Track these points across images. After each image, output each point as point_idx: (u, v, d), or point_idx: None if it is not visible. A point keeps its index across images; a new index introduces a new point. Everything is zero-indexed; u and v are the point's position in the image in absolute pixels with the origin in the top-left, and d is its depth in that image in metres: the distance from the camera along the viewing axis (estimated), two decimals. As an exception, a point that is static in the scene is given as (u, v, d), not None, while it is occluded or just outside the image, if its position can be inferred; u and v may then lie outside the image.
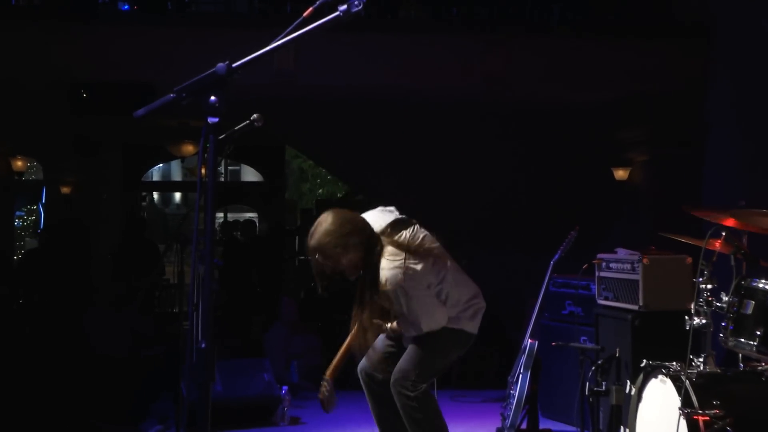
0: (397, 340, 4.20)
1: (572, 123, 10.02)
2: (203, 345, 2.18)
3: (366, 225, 3.96)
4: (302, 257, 15.03)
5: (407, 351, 4.04)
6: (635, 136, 10.19)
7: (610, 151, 10.39)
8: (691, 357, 3.72)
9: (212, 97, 2.06)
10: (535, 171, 10.45)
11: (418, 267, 3.88)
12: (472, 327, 4.11)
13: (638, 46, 8.84)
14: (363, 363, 4.20)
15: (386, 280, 3.82)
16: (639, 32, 8.94)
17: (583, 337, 5.93)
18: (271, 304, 9.09)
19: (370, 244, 3.90)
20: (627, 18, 9.25)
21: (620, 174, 10.60)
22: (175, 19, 8.91)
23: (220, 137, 2.17)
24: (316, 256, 3.90)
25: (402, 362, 4.01)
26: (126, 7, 9.49)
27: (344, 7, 1.97)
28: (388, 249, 3.88)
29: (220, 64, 2.02)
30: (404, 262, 3.85)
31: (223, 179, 25.96)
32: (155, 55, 8.43)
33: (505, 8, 9.25)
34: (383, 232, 3.95)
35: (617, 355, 5.12)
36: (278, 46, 2.04)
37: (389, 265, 3.84)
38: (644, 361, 3.97)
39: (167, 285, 11.39)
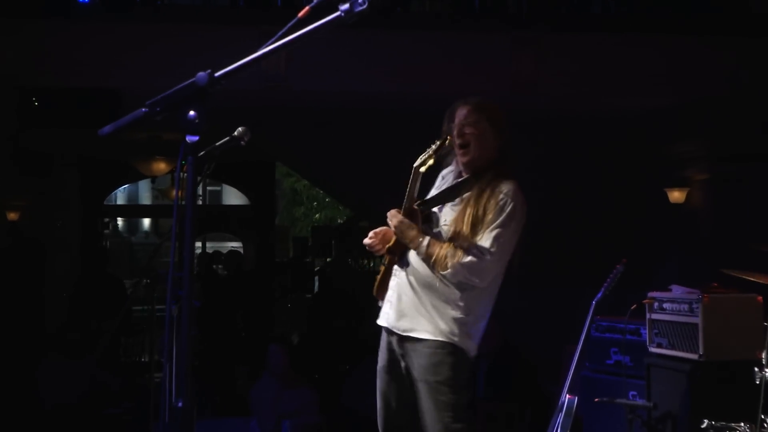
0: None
1: (617, 135, 10.04)
2: (180, 403, 2.18)
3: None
4: (295, 294, 15.08)
5: (420, 392, 4.04)
6: (693, 150, 10.20)
7: (663, 169, 10.41)
8: (763, 417, 3.72)
9: (191, 112, 2.08)
10: (573, 192, 10.47)
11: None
12: (474, 348, 4.14)
13: (698, 44, 8.88)
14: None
15: (507, 188, 3.99)
16: (698, 27, 8.98)
17: (632, 392, 5.92)
18: (258, 352, 9.09)
19: (507, 152, 4.14)
20: (682, 10, 9.30)
21: (675, 196, 10.60)
22: (146, 15, 8.95)
23: (199, 154, 2.20)
24: (467, 111, 4.10)
25: (425, 408, 4.02)
26: (86, 0, 9.55)
27: (346, 6, 1.99)
28: (517, 182, 4.06)
29: (201, 74, 2.04)
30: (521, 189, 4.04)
31: (201, 202, 26.13)
32: (122, 57, 8.49)
33: (536, 0, 9.31)
34: None
35: (673, 413, 5.12)
36: (269, 51, 2.06)
37: (515, 185, 4.03)
38: (705, 421, 3.97)
39: (135, 330, 11.42)
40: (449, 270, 3.93)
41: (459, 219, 3.98)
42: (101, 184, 15.72)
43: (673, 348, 5.40)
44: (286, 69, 8.37)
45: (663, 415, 5.13)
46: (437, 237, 4.04)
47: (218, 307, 11.00)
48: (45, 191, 12.80)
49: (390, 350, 4.16)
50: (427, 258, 3.99)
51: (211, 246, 21.89)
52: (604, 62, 8.97)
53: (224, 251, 15.81)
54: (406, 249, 4.09)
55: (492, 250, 3.92)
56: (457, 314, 3.99)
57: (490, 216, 3.94)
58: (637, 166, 10.24)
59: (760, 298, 5.10)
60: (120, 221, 28.65)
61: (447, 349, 3.99)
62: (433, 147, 3.95)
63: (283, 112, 10.25)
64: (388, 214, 4.08)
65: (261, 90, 8.37)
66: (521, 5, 9.41)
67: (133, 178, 16.33)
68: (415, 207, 4.06)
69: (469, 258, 3.90)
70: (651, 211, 10.40)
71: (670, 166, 10.44)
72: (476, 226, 3.94)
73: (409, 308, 4.07)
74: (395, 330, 4.11)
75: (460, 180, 4.15)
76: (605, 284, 5.57)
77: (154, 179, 13.97)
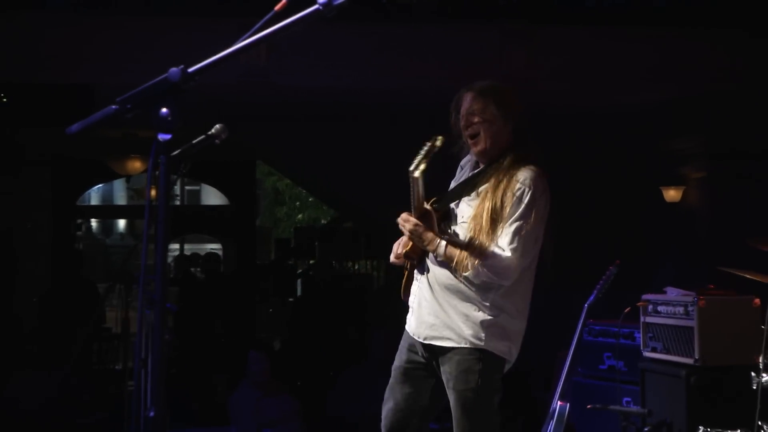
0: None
1: (611, 131, 10.07)
2: (152, 412, 2.18)
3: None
4: (277, 298, 15.07)
5: (451, 398, 4.02)
6: (690, 147, 10.24)
7: (658, 167, 10.44)
8: (760, 423, 3.74)
9: (163, 110, 2.08)
10: (565, 190, 10.48)
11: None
12: (505, 356, 4.09)
13: (696, 36, 8.90)
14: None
15: (524, 176, 3.92)
16: (695, 19, 8.99)
17: (626, 399, 5.94)
18: (238, 359, 9.08)
19: (523, 137, 4.09)
20: (679, 2, 9.31)
21: (671, 194, 10.64)
22: (119, 6, 8.93)
23: (174, 153, 2.19)
24: (471, 98, 4.06)
25: (456, 415, 4.01)
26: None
27: (325, -1, 2.00)
28: (536, 165, 4.01)
29: (173, 69, 2.04)
30: (548, 187, 4.01)
31: (179, 202, 26.08)
32: (94, 51, 8.46)
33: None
34: None
35: (668, 420, 5.13)
36: (245, 46, 2.06)
37: (533, 170, 3.97)
38: (701, 428, 3.99)
39: (108, 335, 11.39)
40: (470, 271, 3.86)
41: (477, 215, 3.90)
42: (74, 184, 15.67)
43: (668, 352, 5.42)
44: (266, 62, 8.36)
45: (658, 422, 5.15)
46: (456, 235, 3.98)
47: (196, 311, 10.98)
48: (14, 191, 12.76)
49: (412, 352, 4.13)
50: (447, 261, 3.92)
51: (189, 248, 21.88)
52: (598, 56, 8.98)
53: (203, 253, 15.81)
54: (424, 253, 4.04)
55: (513, 246, 3.84)
56: (485, 316, 3.92)
57: (508, 209, 3.86)
58: (631, 164, 10.27)
59: (757, 300, 5.13)
60: (94, 222, 28.57)
61: (474, 355, 3.93)
62: (424, 150, 3.83)
63: (264, 108, 10.23)
64: (400, 219, 4.00)
65: (240, 84, 8.36)
66: (512, -4, 9.44)
67: (107, 177, 16.27)
68: (428, 207, 3.99)
69: (490, 258, 3.83)
70: (646, 211, 10.44)
71: (666, 164, 10.48)
72: (496, 221, 3.87)
73: (429, 315, 4.03)
74: (417, 338, 4.08)
75: (475, 171, 4.10)
76: (598, 286, 5.58)
77: (129, 178, 13.91)
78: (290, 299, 14.83)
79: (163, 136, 2.08)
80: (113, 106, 2.10)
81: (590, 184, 10.40)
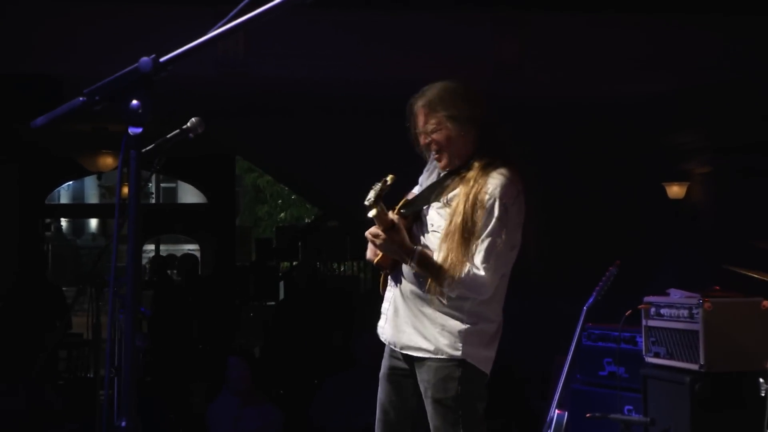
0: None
1: (609, 124, 10.08)
2: (124, 423, 2.17)
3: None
4: (258, 301, 15.05)
5: (429, 408, 4.02)
6: (693, 141, 10.26)
7: (660, 162, 10.47)
8: (768, 432, 3.74)
9: (134, 101, 2.06)
10: (561, 187, 10.50)
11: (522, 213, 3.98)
12: (487, 364, 4.09)
13: (699, 24, 8.92)
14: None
15: (492, 185, 3.88)
16: (700, 5, 9.00)
17: (627, 407, 5.94)
18: (216, 366, 9.06)
19: (492, 137, 4.02)
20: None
21: (674, 191, 10.67)
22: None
23: (147, 148, 2.18)
24: (423, 116, 3.99)
25: (434, 426, 4.00)
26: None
27: (305, -16, 1.99)
28: (507, 168, 3.94)
29: (144, 59, 2.03)
30: (522, 189, 3.96)
31: (153, 200, 26.05)
32: (62, 40, 8.45)
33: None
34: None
35: (672, 430, 5.13)
36: (220, 33, 2.05)
37: (503, 175, 3.91)
38: (706, 437, 3.98)
39: (78, 342, 11.35)
40: (445, 288, 3.87)
41: (450, 233, 3.89)
42: (42, 181, 15.65)
43: (671, 358, 5.42)
44: (245, 53, 8.34)
45: (661, 431, 5.15)
46: (426, 247, 3.98)
47: (172, 316, 10.96)
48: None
49: (394, 358, 4.14)
50: (422, 273, 3.92)
51: (165, 249, 21.85)
52: (594, 44, 9.00)
53: (179, 254, 15.78)
54: (397, 262, 4.04)
55: (486, 265, 3.85)
56: (462, 325, 3.94)
57: (479, 224, 3.86)
58: (631, 159, 10.28)
59: (766, 302, 5.13)
60: (64, 222, 28.52)
61: (454, 362, 3.95)
62: (376, 188, 3.78)
63: (243, 101, 10.22)
64: (368, 234, 3.98)
65: (218, 76, 8.35)
66: (505, -18, 9.43)
67: (78, 173, 16.26)
68: (395, 219, 3.98)
69: (464, 274, 3.83)
70: (647, 208, 10.46)
71: (668, 159, 10.50)
72: (468, 238, 3.86)
73: (405, 324, 4.04)
74: (394, 346, 4.09)
75: (442, 176, 4.08)
76: (597, 288, 5.58)
77: (100, 175, 13.91)
78: (272, 303, 14.81)
79: (133, 130, 2.06)
80: (81, 98, 2.08)
81: (588, 181, 10.41)
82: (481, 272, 3.85)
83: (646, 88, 9.52)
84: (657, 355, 5.57)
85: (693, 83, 9.21)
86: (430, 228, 4.03)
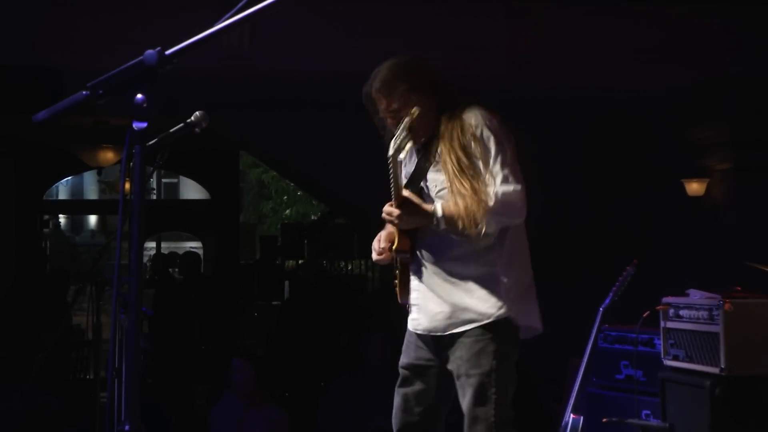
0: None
1: (626, 119, 10.06)
2: (126, 426, 2.18)
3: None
4: (263, 301, 15.07)
5: (462, 388, 4.05)
6: (714, 136, 10.24)
7: (679, 158, 10.45)
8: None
9: (138, 96, 2.07)
10: (577, 184, 10.50)
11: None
12: (533, 317, 4.16)
13: (719, 14, 8.90)
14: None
15: (473, 117, 4.01)
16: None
17: (645, 411, 5.93)
18: (220, 368, 9.08)
19: (450, 91, 4.15)
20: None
21: (694, 188, 10.64)
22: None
23: (150, 143, 2.19)
24: (384, 97, 4.10)
25: (467, 404, 4.03)
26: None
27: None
28: (475, 105, 4.09)
29: (149, 52, 2.03)
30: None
31: (155, 196, 26.12)
32: (62, 30, 8.46)
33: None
34: None
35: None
36: (226, 26, 2.05)
37: (477, 108, 4.06)
38: (727, 443, 3.98)
39: (78, 342, 11.37)
40: (482, 223, 3.91)
41: (451, 178, 3.96)
42: (40, 176, 15.67)
43: (691, 361, 5.41)
44: (250, 44, 8.35)
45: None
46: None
47: (174, 316, 10.98)
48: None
49: (420, 348, 4.17)
50: (451, 226, 3.95)
51: (166, 246, 21.91)
52: (610, 35, 8.99)
53: (181, 252, 15.82)
54: (414, 242, 4.09)
55: (509, 179, 3.95)
56: (497, 283, 4.02)
57: (480, 155, 3.96)
58: (649, 155, 10.26)
59: (789, 303, 5.12)
60: (62, 218, 28.57)
61: (489, 334, 3.99)
62: (402, 126, 3.87)
63: (248, 94, 10.22)
64: (384, 212, 4.03)
65: (222, 68, 8.36)
66: (518, -29, 9.41)
67: (77, 168, 16.28)
68: (407, 193, 4.03)
69: (493, 201, 3.90)
70: (666, 206, 10.44)
71: (688, 154, 10.47)
72: (473, 172, 3.94)
73: (441, 305, 4.07)
74: (434, 333, 4.10)
75: (424, 146, 4.15)
76: (614, 289, 5.58)
77: (100, 170, 13.95)
78: (277, 302, 14.83)
79: (138, 125, 2.07)
80: (84, 92, 2.09)
81: (604, 177, 10.40)
82: (510, 187, 3.93)
83: (665, 81, 9.51)
84: (676, 358, 5.55)
85: (713, 75, 9.19)
86: (434, 191, 4.08)
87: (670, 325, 5.60)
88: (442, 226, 3.96)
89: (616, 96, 9.87)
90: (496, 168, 3.95)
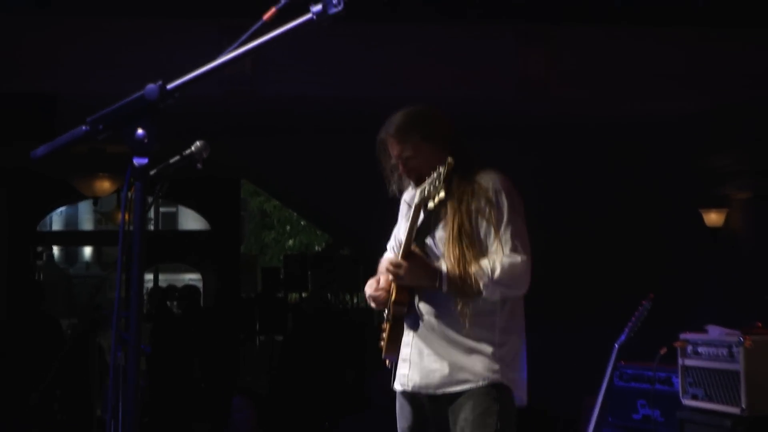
0: None
1: (641, 146, 10.08)
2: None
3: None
4: (265, 336, 15.06)
5: None
6: (732, 164, 10.25)
7: (697, 187, 10.46)
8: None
9: (139, 131, 2.09)
10: (589, 214, 10.50)
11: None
12: (522, 388, 4.16)
13: (737, 38, 8.91)
14: None
15: (488, 180, 4.07)
16: (738, 19, 9.00)
17: (662, 452, 5.93)
18: (220, 406, 9.09)
19: (463, 149, 4.16)
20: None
21: (713, 218, 10.65)
22: (86, 5, 8.96)
23: (150, 173, 2.21)
24: (398, 143, 4.15)
25: None
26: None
27: (318, 7, 2.02)
28: (491, 169, 4.15)
29: (151, 86, 2.06)
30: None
31: (152, 227, 26.12)
32: (57, 56, 8.48)
33: (546, -13, 9.34)
34: None
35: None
36: (230, 60, 2.08)
37: (494, 172, 4.12)
38: (748, 486, 3.98)
39: (75, 381, 11.37)
40: (484, 292, 3.95)
41: (455, 242, 3.99)
42: (33, 206, 15.69)
43: (710, 400, 5.41)
44: (251, 70, 8.39)
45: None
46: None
47: (172, 352, 10.97)
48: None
49: (417, 409, 4.18)
50: (453, 290, 3.98)
51: (164, 279, 21.84)
52: (624, 59, 9.00)
53: (180, 285, 15.79)
54: (413, 297, 4.11)
55: (517, 249, 3.99)
56: (495, 347, 4.04)
57: (492, 221, 4.01)
58: (666, 183, 10.27)
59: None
60: (56, 250, 28.57)
61: (491, 394, 4.01)
62: (437, 175, 3.89)
63: (250, 121, 10.26)
64: (389, 265, 4.04)
65: (223, 94, 8.38)
66: (529, -7, 9.45)
67: (72, 198, 16.30)
68: (415, 248, 4.06)
69: (499, 270, 3.94)
70: (683, 236, 10.44)
71: (705, 183, 10.48)
72: (467, 236, 3.98)
73: (435, 362, 4.08)
74: (425, 391, 4.12)
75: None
76: (629, 324, 5.58)
77: (96, 200, 13.94)
78: (279, 337, 14.82)
79: (138, 161, 2.09)
80: (83, 127, 2.12)
81: (619, 207, 10.40)
82: (517, 258, 3.97)
83: (681, 107, 9.53)
84: (695, 397, 5.55)
85: (730, 101, 9.21)
86: (441, 248, 4.08)
87: (689, 362, 5.60)
88: (445, 288, 3.99)
89: (631, 122, 9.89)
90: (507, 236, 4.00)
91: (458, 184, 4.05)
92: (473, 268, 3.94)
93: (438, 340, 4.07)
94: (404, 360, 4.19)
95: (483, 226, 4.00)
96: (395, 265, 4.02)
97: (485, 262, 3.95)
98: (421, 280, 4.03)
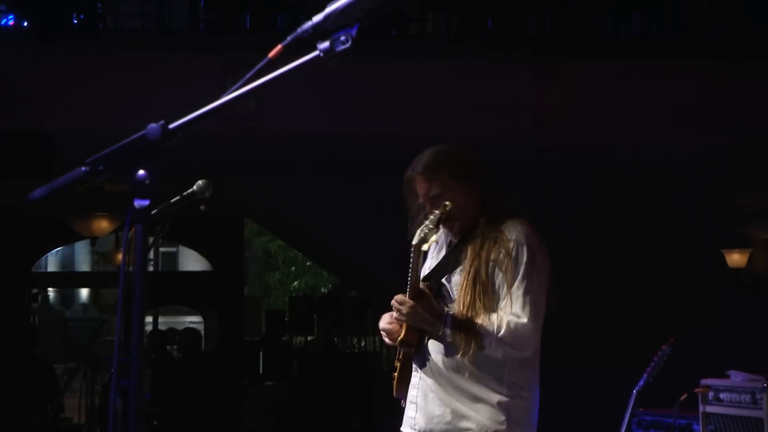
0: None
1: (660, 184, 10.08)
2: None
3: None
4: (270, 381, 15.03)
5: None
6: (756, 202, 10.25)
7: (719, 226, 10.45)
8: None
9: (141, 172, 2.11)
10: (606, 254, 10.50)
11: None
12: None
13: (759, 72, 8.94)
14: None
15: (514, 232, 4.02)
16: (759, 52, 9.05)
17: (684, 503, 5.91)
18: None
19: (493, 192, 4.16)
20: (739, 32, 9.38)
21: (735, 259, 10.64)
22: (84, 41, 9.01)
23: (149, 215, 2.22)
24: (426, 182, 4.11)
25: None
26: (10, 20, 9.57)
27: (326, 44, 2.05)
28: (520, 219, 4.11)
29: (152, 126, 2.08)
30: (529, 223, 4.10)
31: (152, 267, 26.12)
32: (55, 93, 8.53)
33: (562, 21, 9.36)
34: None
35: None
36: (234, 98, 2.11)
37: (522, 223, 4.07)
38: None
39: (69, 427, 11.37)
40: (486, 348, 3.93)
41: (468, 288, 3.98)
42: (29, 246, 15.73)
43: (732, 448, 5.41)
44: (255, 105, 8.43)
45: None
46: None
47: (173, 398, 10.96)
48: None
49: None
50: (458, 340, 3.96)
51: (164, 321, 21.84)
52: (642, 95, 9.03)
53: (180, 328, 15.78)
54: (422, 337, 4.10)
55: (527, 311, 3.94)
56: (501, 397, 4.00)
57: (507, 274, 3.97)
58: (686, 223, 10.27)
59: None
60: (51, 292, 28.61)
61: None
62: (432, 218, 3.93)
63: (254, 158, 10.30)
64: (394, 301, 4.05)
65: (226, 131, 8.42)
66: (544, 26, 9.47)
67: (68, 238, 16.34)
68: (423, 287, 4.07)
69: (505, 328, 3.91)
70: (705, 278, 10.42)
71: (727, 223, 10.48)
72: (481, 284, 3.96)
73: (439, 407, 4.07)
74: None
75: (454, 244, 4.18)
76: (648, 369, 5.57)
77: (94, 240, 13.97)
78: (284, 382, 14.79)
79: (139, 203, 2.10)
80: (83, 168, 2.13)
81: (637, 247, 10.39)
82: (523, 319, 3.92)
83: (700, 143, 9.55)
84: (717, 445, 5.55)
85: (752, 137, 9.22)
86: (453, 293, 4.08)
87: (710, 409, 5.60)
88: (448, 333, 3.98)
89: (649, 159, 9.91)
90: (519, 292, 3.97)
91: (483, 229, 4.05)
92: (480, 320, 3.93)
93: (445, 385, 4.06)
94: (411, 402, 4.20)
95: (498, 277, 3.98)
96: (399, 302, 4.03)
97: (494, 317, 3.93)
98: (424, 324, 4.03)
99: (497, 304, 3.98)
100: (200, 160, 8.88)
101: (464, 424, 4.03)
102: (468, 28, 9.57)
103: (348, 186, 10.70)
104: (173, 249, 27.24)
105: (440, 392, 4.09)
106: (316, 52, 2.06)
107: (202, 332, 15.59)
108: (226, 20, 9.21)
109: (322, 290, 23.54)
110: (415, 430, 4.18)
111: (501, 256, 3.98)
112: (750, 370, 5.44)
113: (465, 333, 3.95)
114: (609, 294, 10.40)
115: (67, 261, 27.61)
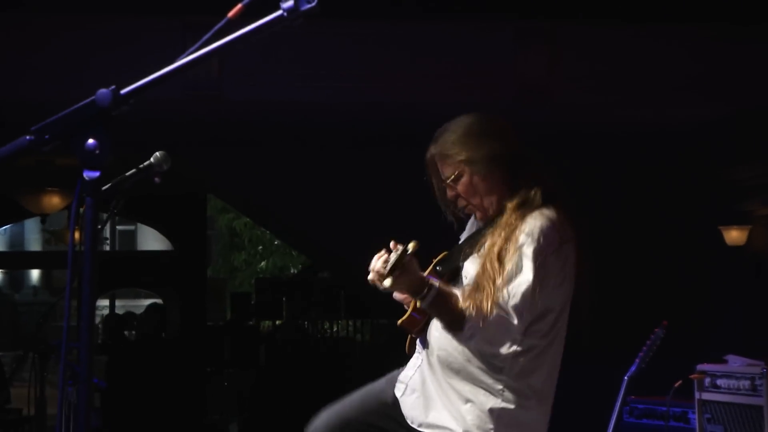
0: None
1: (653, 157, 10.11)
2: None
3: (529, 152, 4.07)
4: (234, 368, 15.04)
5: None
6: (755, 176, 10.28)
7: (716, 202, 10.49)
8: None
9: (90, 140, 2.09)
10: (597, 232, 10.49)
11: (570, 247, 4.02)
12: None
13: (759, 36, 8.95)
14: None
15: (526, 226, 3.88)
16: (760, 14, 9.05)
17: (678, 497, 5.94)
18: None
19: (526, 173, 4.02)
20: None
21: (733, 236, 10.68)
22: (33, 3, 8.94)
23: (103, 188, 2.20)
24: (442, 166, 4.01)
25: None
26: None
27: (289, 3, 2.03)
28: (550, 208, 3.97)
29: (103, 91, 2.05)
30: (567, 238, 3.99)
31: (108, 247, 26.08)
32: (2, 57, 8.50)
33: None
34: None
35: None
36: (193, 60, 2.09)
37: (544, 215, 3.93)
38: None
39: (17, 419, 11.34)
40: (463, 332, 3.86)
41: (479, 274, 3.87)
42: (-26, 225, 15.68)
43: (730, 437, 5.43)
44: (218, 72, 8.40)
45: None
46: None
47: (131, 387, 10.94)
48: None
49: (392, 419, 4.17)
50: (437, 309, 3.89)
51: (121, 305, 21.84)
52: (636, 61, 9.04)
53: (139, 312, 15.76)
54: (425, 325, 4.04)
55: (510, 302, 3.81)
56: (496, 403, 3.94)
57: (508, 266, 3.83)
58: (681, 198, 10.30)
59: (843, 371, 5.15)
60: (-1, 273, 28.53)
61: None
62: (394, 257, 3.72)
63: (216, 129, 10.26)
64: (375, 267, 3.88)
65: (186, 100, 8.38)
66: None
67: (17, 216, 16.29)
68: (436, 269, 4.04)
69: (492, 317, 3.80)
70: (700, 257, 10.46)
71: (726, 198, 10.51)
72: (494, 281, 3.82)
73: (432, 398, 4.06)
74: (411, 423, 4.07)
75: (477, 229, 4.14)
76: (641, 354, 5.60)
77: (44, 218, 13.93)
78: (251, 370, 14.80)
79: (89, 174, 2.08)
80: (27, 137, 2.11)
81: (629, 225, 10.42)
82: (513, 318, 3.82)
83: (698, 113, 9.56)
84: (713, 435, 5.57)
85: (753, 106, 9.24)
86: (465, 281, 4.01)
87: (706, 396, 5.62)
88: (429, 298, 3.85)
89: (642, 132, 9.91)
90: (510, 284, 3.84)
91: (510, 215, 3.91)
92: (467, 303, 3.82)
93: (438, 376, 4.03)
94: (403, 382, 4.17)
95: (503, 268, 3.84)
96: (379, 271, 3.84)
97: (485, 304, 3.80)
98: (407, 287, 3.87)
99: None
100: (159, 132, 8.84)
101: (448, 422, 3.99)
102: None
103: (318, 159, 10.67)
104: (131, 227, 27.21)
105: (435, 386, 4.06)
106: (279, 12, 2.04)
107: (163, 316, 15.56)
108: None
109: (291, 271, 23.53)
110: (398, 395, 4.16)
111: (510, 248, 3.86)
112: (749, 354, 5.46)
113: (442, 310, 3.90)
114: (598, 274, 10.41)
115: (16, 240, 27.54)
